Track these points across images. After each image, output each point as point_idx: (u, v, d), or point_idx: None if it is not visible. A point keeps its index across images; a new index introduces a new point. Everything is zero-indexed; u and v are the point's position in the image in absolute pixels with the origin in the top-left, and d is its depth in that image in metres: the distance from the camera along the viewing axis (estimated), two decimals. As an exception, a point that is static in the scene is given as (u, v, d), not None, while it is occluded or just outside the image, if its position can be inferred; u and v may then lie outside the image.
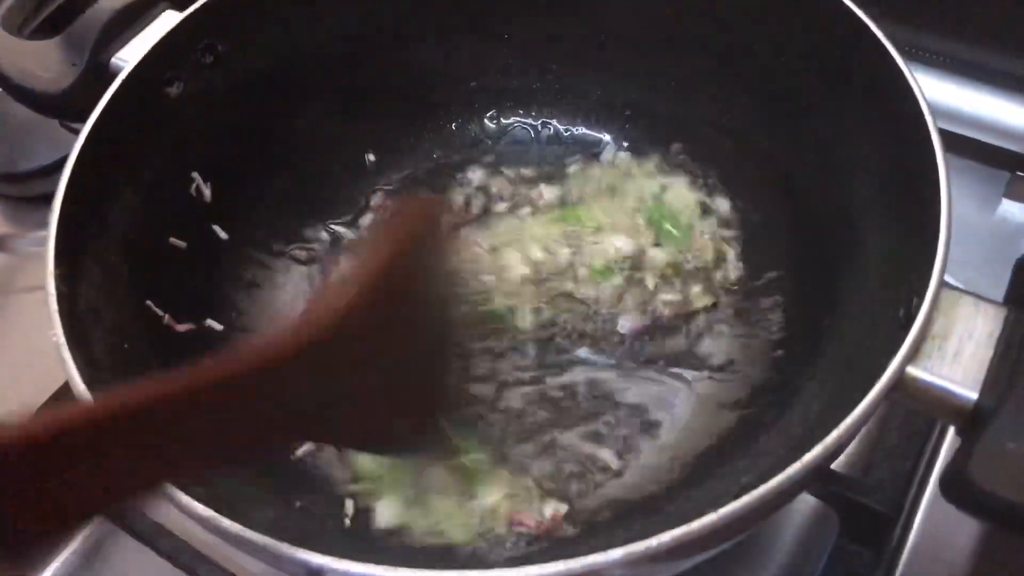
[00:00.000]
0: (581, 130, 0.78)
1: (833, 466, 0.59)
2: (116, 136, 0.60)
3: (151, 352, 0.59)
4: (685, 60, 0.71)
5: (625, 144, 0.77)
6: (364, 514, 0.59)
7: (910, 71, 0.53)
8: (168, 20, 0.66)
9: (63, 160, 0.56)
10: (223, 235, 0.69)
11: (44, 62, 0.66)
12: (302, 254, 0.73)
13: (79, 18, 0.66)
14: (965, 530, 0.61)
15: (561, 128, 0.78)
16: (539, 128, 0.79)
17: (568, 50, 0.75)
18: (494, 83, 0.77)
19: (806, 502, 0.65)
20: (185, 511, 0.42)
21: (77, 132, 0.58)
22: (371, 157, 0.77)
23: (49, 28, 0.67)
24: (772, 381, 0.62)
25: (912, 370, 0.45)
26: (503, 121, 0.79)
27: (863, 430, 0.45)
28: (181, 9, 0.65)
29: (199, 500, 0.42)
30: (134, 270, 0.61)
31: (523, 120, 0.79)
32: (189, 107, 0.65)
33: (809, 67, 0.62)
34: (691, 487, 0.59)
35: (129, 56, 0.64)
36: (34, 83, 0.66)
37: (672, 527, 0.39)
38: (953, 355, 0.45)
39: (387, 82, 0.75)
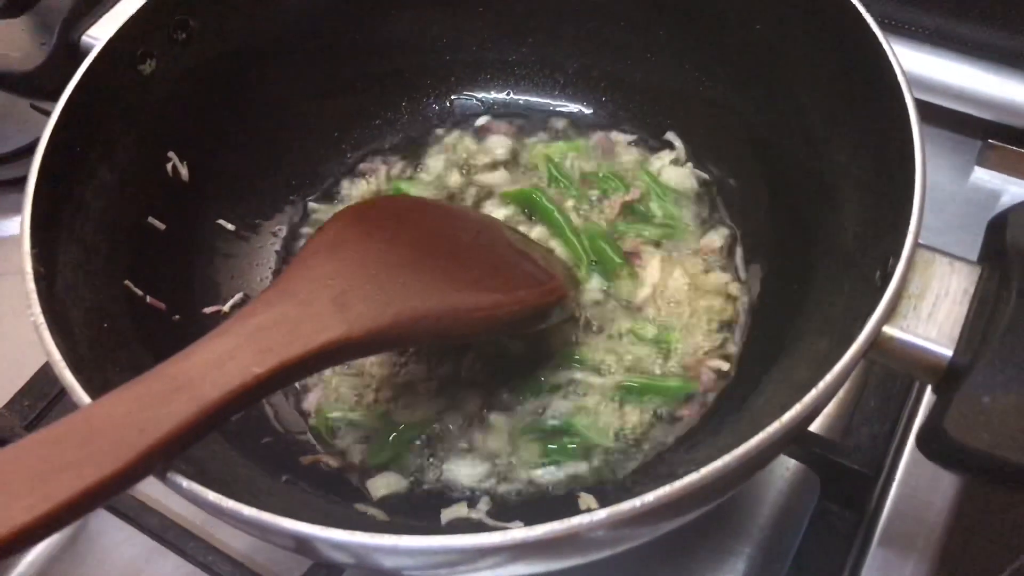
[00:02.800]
0: (559, 102, 0.78)
1: (813, 428, 0.61)
2: (89, 115, 0.59)
3: (132, 332, 0.59)
4: (662, 30, 0.71)
5: (603, 115, 0.77)
6: (351, 486, 0.60)
7: (887, 40, 0.53)
8: (139, -4, 0.65)
9: (36, 142, 0.55)
10: (229, 227, 0.70)
11: (12, 42, 0.65)
12: (277, 229, 0.73)
13: (47, -5, 0.65)
14: (943, 489, 0.62)
15: (539, 100, 0.78)
16: (517, 101, 0.78)
17: (544, 21, 0.75)
18: (470, 56, 0.77)
19: (787, 465, 0.66)
20: (174, 488, 0.42)
21: (49, 113, 0.57)
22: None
23: (16, 7, 0.66)
24: (753, 344, 0.63)
25: (888, 329, 0.45)
26: (479, 94, 0.79)
27: (841, 392, 0.46)
28: (152, -16, 0.64)
29: (187, 476, 0.42)
30: (113, 250, 0.60)
31: (500, 93, 0.79)
32: (162, 85, 0.64)
33: (786, 36, 0.62)
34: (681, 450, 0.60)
35: (100, 34, 0.63)
36: (2, 63, 0.65)
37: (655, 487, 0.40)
38: (928, 313, 0.45)
39: (362, 56, 0.74)
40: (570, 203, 0.71)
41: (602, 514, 0.39)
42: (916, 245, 0.46)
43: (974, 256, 0.52)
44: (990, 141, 0.82)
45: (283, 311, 0.46)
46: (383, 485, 0.60)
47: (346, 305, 0.47)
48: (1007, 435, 0.40)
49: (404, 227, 0.58)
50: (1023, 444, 0.40)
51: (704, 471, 0.40)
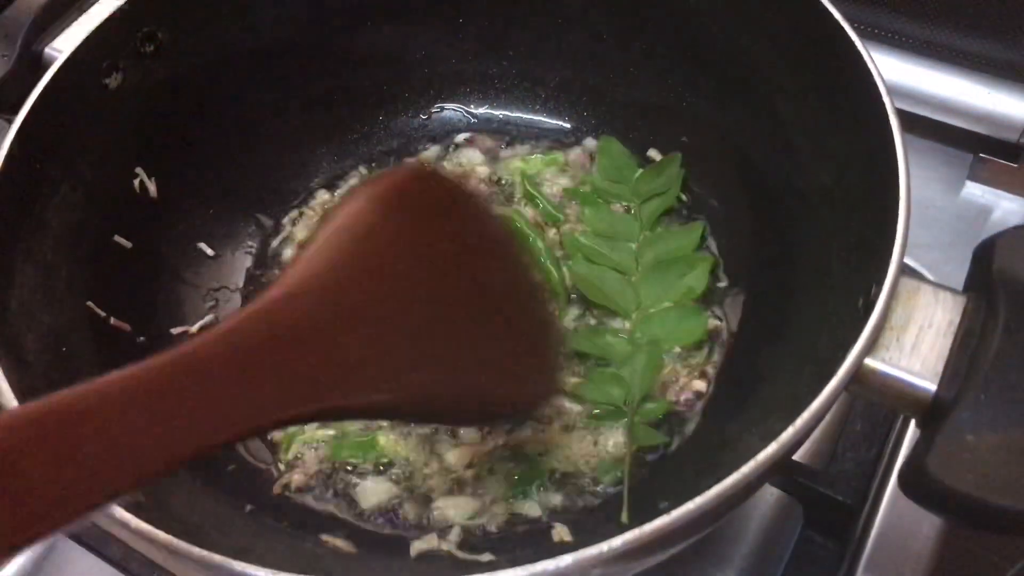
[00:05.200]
0: (540, 118, 0.76)
1: (797, 457, 0.59)
2: (51, 130, 0.57)
3: (93, 355, 0.57)
4: (644, 44, 0.70)
5: (585, 130, 0.75)
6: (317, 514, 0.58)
7: (866, 50, 0.51)
8: (105, 7, 0.63)
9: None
10: (209, 251, 0.68)
11: (-27, 54, 0.63)
12: (249, 247, 0.71)
13: (9, 6, 0.63)
14: (929, 520, 0.60)
15: (520, 115, 0.76)
16: (496, 115, 0.77)
17: (525, 35, 0.73)
18: (449, 69, 0.75)
19: (771, 494, 0.64)
20: (119, 523, 0.41)
21: (12, 124, 0.55)
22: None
23: (-23, 18, 0.65)
24: (732, 373, 0.61)
25: (870, 362, 0.43)
26: (458, 108, 0.77)
27: (825, 419, 0.44)
28: (119, -5, 0.62)
29: (130, 511, 0.40)
30: (75, 269, 0.58)
31: (479, 107, 0.77)
32: (130, 98, 0.62)
33: (766, 49, 0.61)
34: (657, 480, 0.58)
35: (64, 46, 0.62)
36: (-39, 75, 0.63)
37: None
38: (912, 346, 0.44)
39: (339, 69, 0.72)
40: (550, 228, 0.69)
41: (568, 559, 0.38)
42: (900, 273, 0.44)
43: (963, 273, 0.51)
44: (981, 155, 0.80)
45: None
46: (372, 493, 0.58)
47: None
48: (990, 476, 0.39)
49: (431, 239, 0.44)
50: (1006, 486, 0.38)
51: (675, 514, 0.38)
